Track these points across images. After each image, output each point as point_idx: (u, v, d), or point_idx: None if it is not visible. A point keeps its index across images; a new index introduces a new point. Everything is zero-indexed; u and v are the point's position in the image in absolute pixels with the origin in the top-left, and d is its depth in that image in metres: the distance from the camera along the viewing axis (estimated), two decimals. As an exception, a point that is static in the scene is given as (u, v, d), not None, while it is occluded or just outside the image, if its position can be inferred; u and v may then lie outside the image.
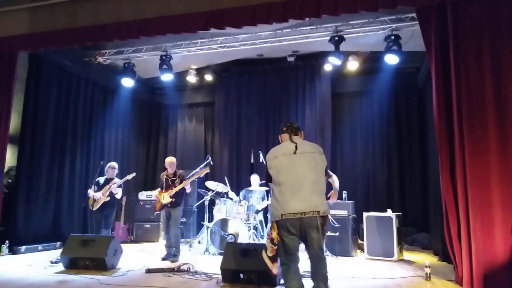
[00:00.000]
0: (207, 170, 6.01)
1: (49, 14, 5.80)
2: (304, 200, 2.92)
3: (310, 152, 3.09)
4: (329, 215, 3.18)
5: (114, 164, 6.34)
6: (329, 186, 3.29)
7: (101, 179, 6.17)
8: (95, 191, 5.99)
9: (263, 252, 3.08)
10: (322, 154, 3.17)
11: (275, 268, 3.08)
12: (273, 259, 3.03)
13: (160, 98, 9.72)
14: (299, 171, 3.00)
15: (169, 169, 5.89)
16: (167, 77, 7.36)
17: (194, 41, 6.94)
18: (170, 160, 5.95)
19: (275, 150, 3.19)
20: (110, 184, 6.03)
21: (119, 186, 6.06)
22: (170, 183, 5.82)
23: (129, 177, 6.22)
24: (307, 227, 2.90)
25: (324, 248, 3.13)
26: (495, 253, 3.88)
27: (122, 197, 7.91)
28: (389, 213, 5.82)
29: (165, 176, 5.93)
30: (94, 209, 5.93)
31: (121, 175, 6.39)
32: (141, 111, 9.50)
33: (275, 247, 3.01)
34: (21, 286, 3.99)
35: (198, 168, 6.17)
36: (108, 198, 5.97)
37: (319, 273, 2.94)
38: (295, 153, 3.06)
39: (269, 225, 3.75)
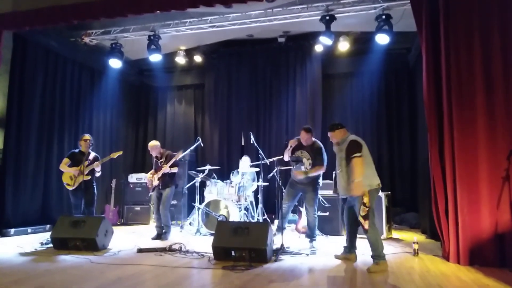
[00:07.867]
0: (181, 154, 6.00)
1: (33, -9, 5.65)
2: None
3: None
4: None
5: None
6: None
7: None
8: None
9: (358, 215, 3.98)
10: None
11: (366, 224, 3.92)
12: (365, 218, 3.91)
13: (149, 80, 9.59)
14: None
15: (152, 153, 5.97)
16: (155, 58, 7.24)
17: (183, 21, 6.82)
18: (151, 144, 5.98)
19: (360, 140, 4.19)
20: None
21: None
22: (159, 164, 5.90)
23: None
24: None
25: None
26: (481, 228, 3.97)
27: (112, 181, 7.89)
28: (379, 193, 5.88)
29: (154, 159, 6.03)
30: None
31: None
32: (129, 93, 9.35)
33: (366, 208, 3.90)
34: (12, 266, 3.96)
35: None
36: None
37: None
38: None
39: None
